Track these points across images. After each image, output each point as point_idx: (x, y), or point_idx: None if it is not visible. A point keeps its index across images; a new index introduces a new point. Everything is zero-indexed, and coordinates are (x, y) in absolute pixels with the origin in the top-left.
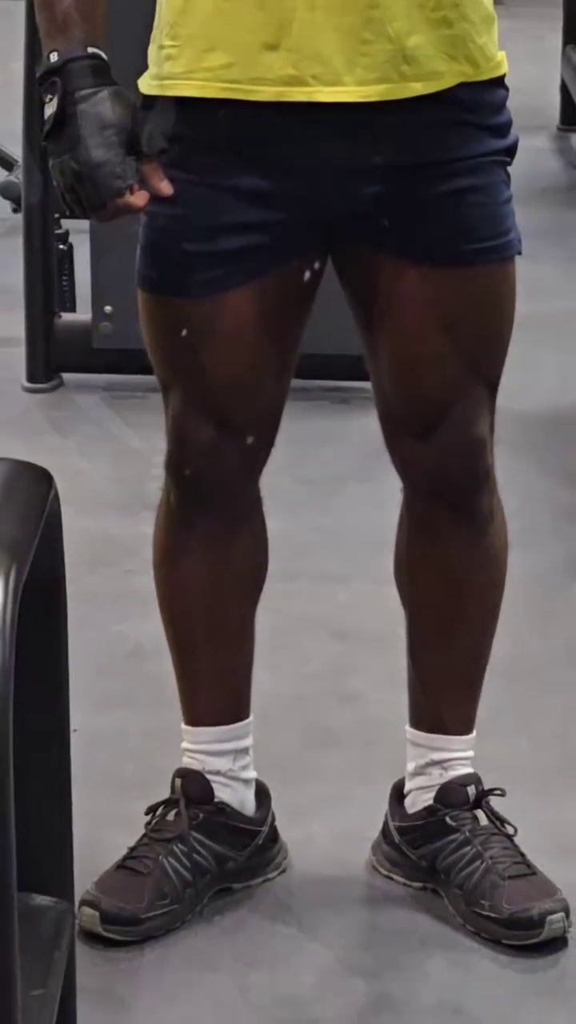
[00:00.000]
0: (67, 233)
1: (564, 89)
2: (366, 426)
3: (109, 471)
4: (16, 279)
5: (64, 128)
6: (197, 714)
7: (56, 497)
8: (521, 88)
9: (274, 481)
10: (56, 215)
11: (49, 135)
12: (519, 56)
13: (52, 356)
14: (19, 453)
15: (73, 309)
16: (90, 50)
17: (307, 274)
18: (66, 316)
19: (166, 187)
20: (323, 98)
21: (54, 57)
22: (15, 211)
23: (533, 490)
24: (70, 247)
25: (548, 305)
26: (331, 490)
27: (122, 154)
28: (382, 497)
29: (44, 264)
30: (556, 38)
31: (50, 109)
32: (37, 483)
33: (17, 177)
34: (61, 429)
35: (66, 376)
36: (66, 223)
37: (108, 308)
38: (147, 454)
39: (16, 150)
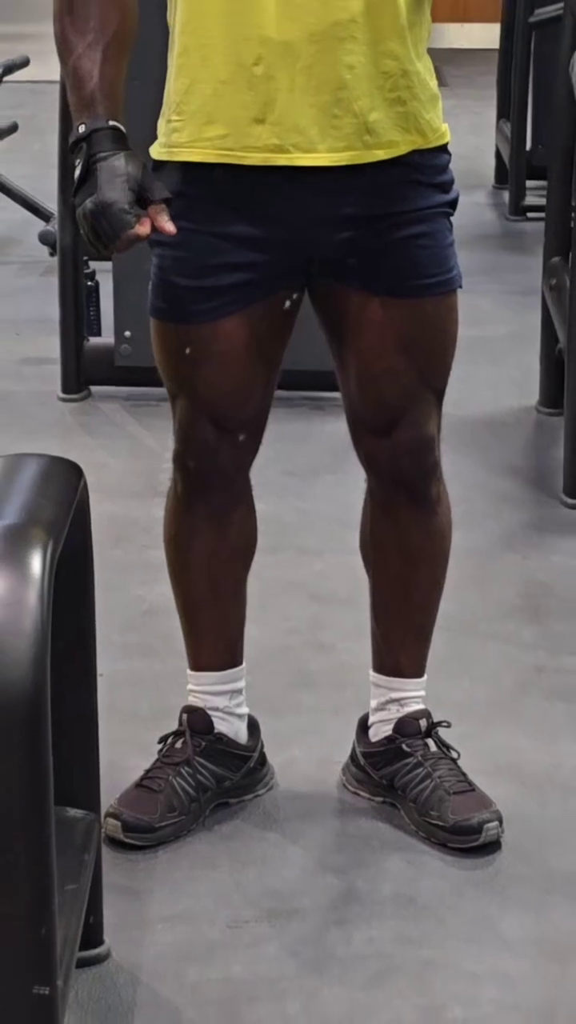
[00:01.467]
0: (94, 272)
1: (498, 155)
2: (336, 428)
3: (128, 465)
4: (52, 310)
5: (87, 181)
6: (200, 661)
7: (85, 486)
8: (463, 154)
9: (262, 472)
10: (85, 258)
11: (76, 190)
12: (461, 128)
13: (82, 372)
14: (55, 450)
15: (99, 334)
16: (111, 123)
17: (288, 304)
18: (93, 340)
19: (170, 226)
20: (301, 163)
21: (82, 128)
22: (51, 255)
23: (474, 480)
24: (96, 284)
25: (485, 330)
26: (308, 480)
27: (131, 197)
28: (350, 485)
29: (75, 297)
30: (491, 114)
31: (78, 169)
32: (70, 474)
33: (53, 227)
34: (89, 431)
35: (94, 388)
36: (93, 264)
37: (127, 333)
38: (159, 451)
39: (52, 205)
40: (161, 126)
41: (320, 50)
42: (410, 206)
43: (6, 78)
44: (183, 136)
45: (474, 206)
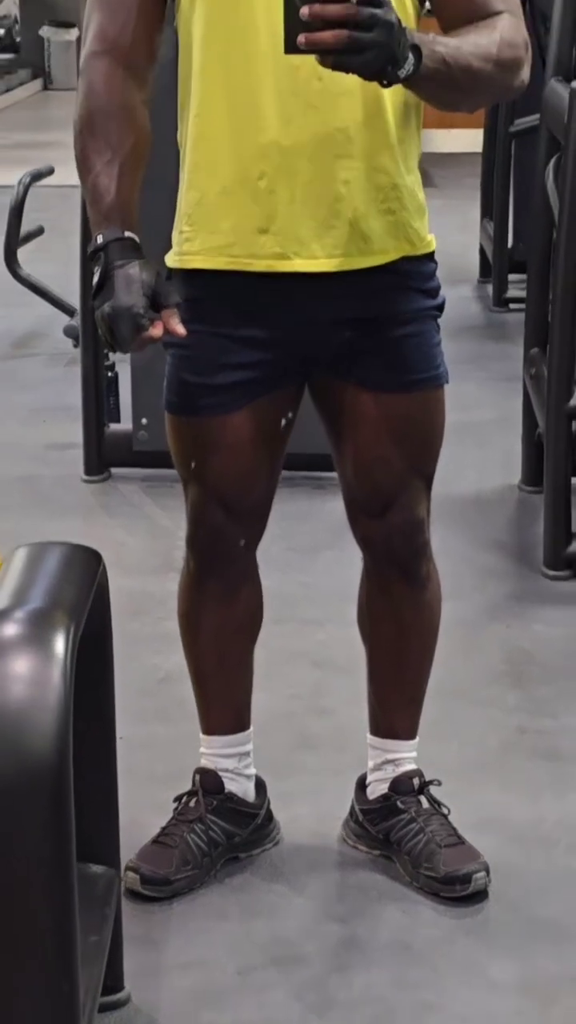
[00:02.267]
0: (113, 364)
1: (482, 251)
2: (336, 507)
3: (145, 543)
4: (76, 399)
5: (104, 288)
6: (211, 726)
7: (104, 571)
8: (450, 250)
9: (267, 548)
10: (105, 351)
11: (95, 295)
12: (448, 226)
13: (103, 456)
14: (78, 529)
15: (118, 420)
16: (127, 234)
17: (289, 398)
18: (113, 426)
19: (180, 328)
20: (302, 268)
21: (100, 239)
22: (75, 347)
23: (461, 554)
24: (116, 374)
25: (471, 414)
26: (310, 555)
27: (145, 302)
28: (348, 561)
29: (96, 387)
30: (476, 213)
31: (96, 276)
32: (90, 560)
33: (76, 322)
34: (109, 511)
35: (114, 471)
36: (112, 356)
37: (144, 420)
38: (173, 530)
39: (75, 300)
40: (174, 236)
41: (318, 166)
42: (400, 309)
43: (33, 184)
44: (194, 245)
45: (460, 299)
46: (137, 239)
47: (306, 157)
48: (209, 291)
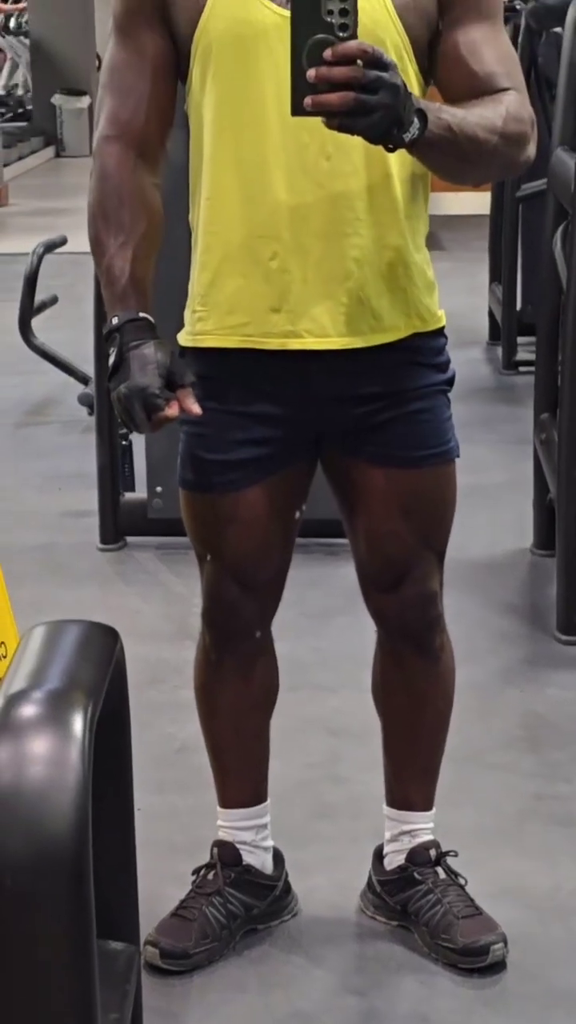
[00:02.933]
0: (128, 432)
1: (491, 313)
2: (348, 572)
3: (160, 610)
4: (91, 466)
5: (120, 368)
6: (228, 799)
7: (121, 648)
8: (459, 312)
9: (281, 615)
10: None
11: (111, 376)
12: (458, 289)
13: (118, 524)
14: (94, 598)
15: (133, 489)
16: (141, 315)
17: (302, 474)
18: (128, 494)
19: (196, 407)
20: (314, 347)
21: (115, 320)
22: (89, 415)
23: (474, 619)
24: (130, 443)
25: (482, 477)
26: (324, 621)
27: (160, 383)
28: (362, 626)
29: (111, 455)
30: (484, 275)
31: (112, 357)
32: (106, 639)
33: (90, 389)
34: (125, 579)
35: (129, 539)
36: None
37: (159, 488)
38: (188, 597)
39: (89, 367)
40: (187, 315)
41: (328, 246)
42: (411, 385)
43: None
44: (208, 324)
45: (470, 361)
46: (151, 319)
47: (317, 236)
48: (222, 369)
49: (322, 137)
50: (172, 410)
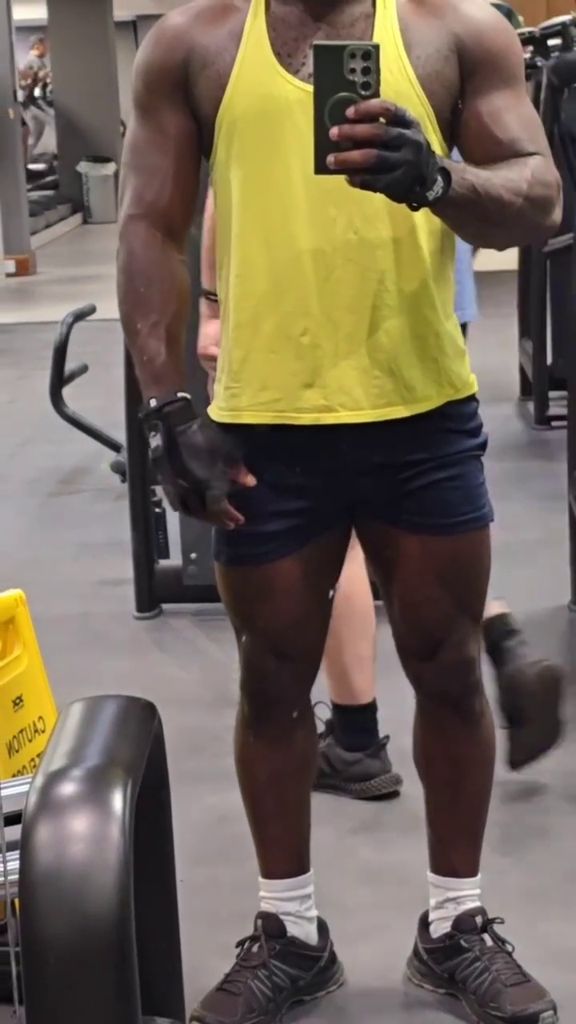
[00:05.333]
0: (161, 499)
1: (522, 369)
2: (386, 633)
3: (199, 678)
4: (125, 534)
5: (170, 457)
6: (270, 870)
7: (159, 723)
8: (490, 368)
9: (319, 680)
10: (152, 486)
11: (158, 460)
12: (488, 344)
13: (154, 592)
14: (132, 667)
15: (168, 556)
16: (179, 395)
17: (336, 543)
18: (163, 562)
19: (250, 480)
20: (347, 420)
21: (153, 402)
22: (122, 482)
23: None
24: (164, 510)
25: (517, 534)
26: None
27: (215, 471)
28: (402, 689)
29: (145, 522)
30: (514, 330)
31: (155, 442)
32: (144, 713)
33: (123, 456)
34: (162, 647)
35: (165, 606)
36: (160, 490)
37: (193, 555)
38: (227, 663)
39: (121, 434)
40: (219, 391)
41: (359, 319)
42: (443, 451)
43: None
44: (241, 401)
45: (502, 417)
46: (189, 397)
47: (347, 310)
48: (256, 444)
49: (349, 211)
50: (233, 518)
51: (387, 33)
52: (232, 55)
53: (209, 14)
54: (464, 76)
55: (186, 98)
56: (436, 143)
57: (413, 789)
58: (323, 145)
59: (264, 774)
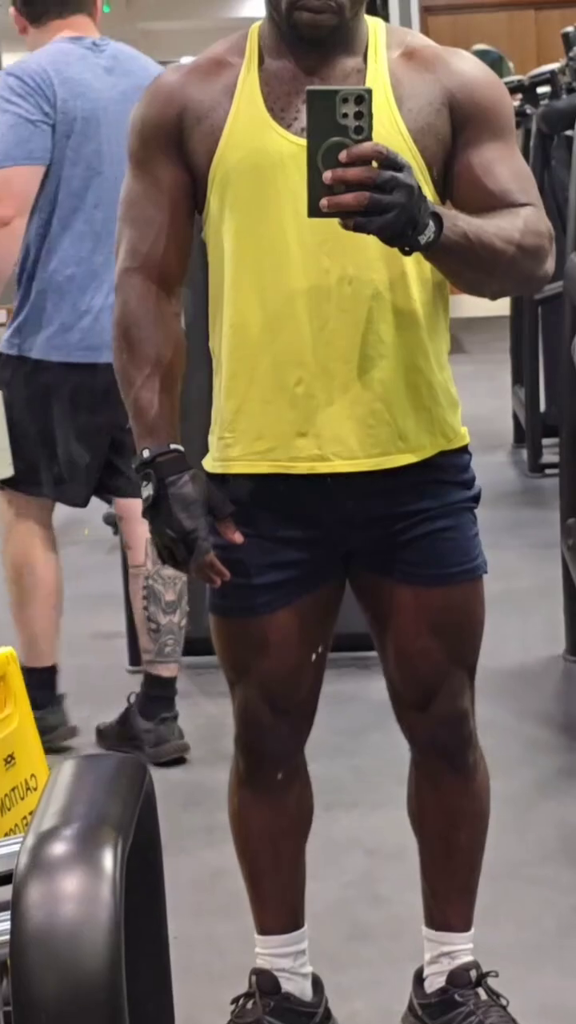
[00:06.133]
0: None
1: (515, 416)
2: (381, 686)
3: (192, 731)
4: (118, 587)
5: (160, 506)
6: (265, 926)
7: (151, 780)
8: (483, 416)
9: (314, 732)
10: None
11: (148, 511)
12: (480, 391)
13: None
14: None
15: None
16: (172, 446)
17: (331, 594)
18: None
19: (238, 537)
20: (342, 469)
21: (146, 453)
22: (115, 534)
23: (508, 729)
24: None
25: (511, 583)
26: (358, 737)
27: (204, 523)
28: (397, 742)
29: None
30: (507, 377)
31: (147, 491)
32: (135, 771)
33: (115, 509)
34: None
35: None
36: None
37: (187, 608)
38: (221, 717)
39: None
40: (212, 441)
41: (353, 369)
42: (436, 503)
43: None
44: (235, 451)
45: (495, 465)
46: (182, 449)
47: (341, 360)
48: (250, 494)
49: (343, 263)
50: (221, 575)
51: (378, 87)
52: (225, 109)
53: (203, 70)
54: (456, 129)
55: (180, 153)
56: (429, 194)
57: (409, 844)
58: (316, 188)
59: (259, 830)
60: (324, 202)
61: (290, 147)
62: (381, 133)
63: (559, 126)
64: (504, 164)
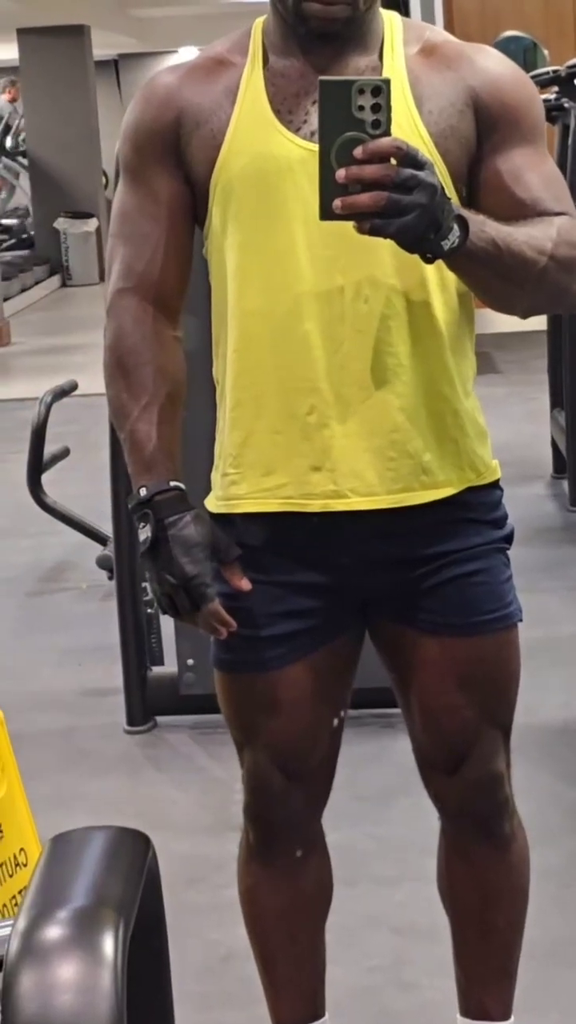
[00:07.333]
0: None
1: (554, 443)
2: (406, 746)
3: (198, 798)
4: (113, 638)
5: (159, 550)
6: (280, 1016)
7: (154, 855)
8: (519, 443)
9: (333, 798)
10: (144, 584)
11: (146, 554)
12: (516, 416)
13: (147, 703)
14: (123, 787)
15: (162, 662)
16: (171, 483)
17: (349, 647)
18: (157, 669)
19: (245, 584)
20: (360, 507)
21: (143, 491)
22: (109, 579)
23: (548, 792)
24: (157, 611)
25: (551, 630)
26: (382, 804)
27: (208, 568)
28: (426, 807)
29: (136, 625)
30: (545, 399)
31: (144, 533)
32: (136, 844)
33: (109, 550)
34: (157, 765)
35: (159, 719)
36: (151, 589)
37: (190, 661)
38: (229, 781)
39: (107, 525)
40: (216, 478)
41: (370, 396)
42: (464, 544)
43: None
44: (242, 488)
45: (533, 498)
46: (183, 487)
47: (357, 386)
48: (259, 536)
49: (358, 279)
50: (227, 625)
51: (396, 86)
52: (227, 113)
53: (202, 70)
54: (481, 133)
55: (178, 161)
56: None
57: (441, 922)
58: (329, 188)
59: (272, 911)
60: (338, 203)
61: (299, 152)
62: (400, 136)
63: None
64: (535, 171)
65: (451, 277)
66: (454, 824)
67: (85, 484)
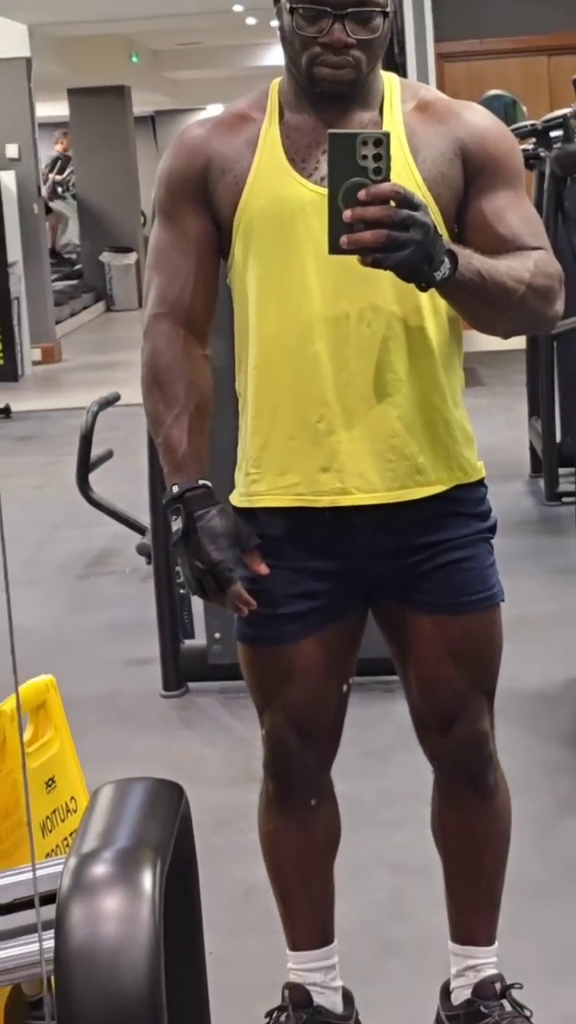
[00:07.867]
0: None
1: (532, 446)
2: (405, 709)
3: (224, 754)
4: (151, 615)
5: (189, 539)
6: (296, 942)
7: (187, 803)
8: (500, 446)
9: (341, 754)
10: (176, 568)
11: (178, 543)
12: (498, 423)
13: (180, 671)
14: (159, 745)
15: (193, 635)
16: (200, 482)
17: (354, 624)
18: (188, 642)
19: (263, 568)
20: (363, 502)
21: (175, 489)
22: (148, 564)
23: (529, 751)
24: (187, 590)
25: (530, 610)
26: (384, 759)
27: (232, 555)
28: (422, 762)
29: (170, 603)
30: (523, 408)
31: (176, 525)
32: (172, 794)
33: (148, 539)
34: (189, 725)
35: (191, 685)
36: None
37: (217, 635)
38: (251, 740)
39: (146, 517)
40: (239, 477)
41: (372, 407)
42: (454, 534)
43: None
44: (262, 486)
45: (513, 494)
46: (210, 485)
47: (360, 399)
48: (276, 527)
49: (361, 305)
50: (247, 605)
51: (394, 138)
52: (248, 161)
53: (227, 124)
54: (468, 178)
55: (206, 203)
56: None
57: (435, 862)
58: (337, 226)
59: (288, 852)
60: (344, 239)
61: (310, 195)
62: (398, 181)
63: (572, 168)
64: (515, 211)
65: (443, 304)
66: (446, 776)
67: (126, 482)
